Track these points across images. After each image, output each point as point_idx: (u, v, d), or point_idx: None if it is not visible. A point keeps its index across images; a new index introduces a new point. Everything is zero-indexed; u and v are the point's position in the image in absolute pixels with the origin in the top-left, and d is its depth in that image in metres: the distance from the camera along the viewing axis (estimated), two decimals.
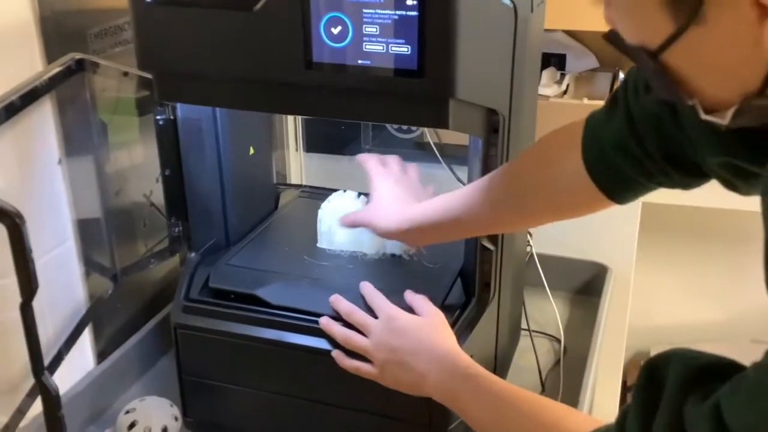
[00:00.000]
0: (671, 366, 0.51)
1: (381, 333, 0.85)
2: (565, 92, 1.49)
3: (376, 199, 0.98)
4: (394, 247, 1.06)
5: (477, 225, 0.88)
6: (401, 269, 1.03)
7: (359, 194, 1.12)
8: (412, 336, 0.84)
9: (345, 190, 1.13)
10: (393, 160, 1.06)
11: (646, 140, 0.70)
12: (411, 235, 0.93)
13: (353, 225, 0.99)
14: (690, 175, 0.70)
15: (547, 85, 1.47)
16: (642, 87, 0.70)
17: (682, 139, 0.66)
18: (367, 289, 0.92)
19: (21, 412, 0.95)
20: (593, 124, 0.75)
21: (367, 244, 1.06)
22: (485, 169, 0.89)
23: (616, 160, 0.72)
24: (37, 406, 0.94)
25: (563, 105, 1.44)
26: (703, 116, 0.48)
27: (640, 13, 0.45)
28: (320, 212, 1.10)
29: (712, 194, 0.78)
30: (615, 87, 1.48)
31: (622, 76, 1.51)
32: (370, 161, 1.04)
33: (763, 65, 0.42)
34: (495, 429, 0.75)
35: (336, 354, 0.90)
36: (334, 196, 1.12)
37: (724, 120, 0.46)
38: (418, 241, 0.97)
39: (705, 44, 0.44)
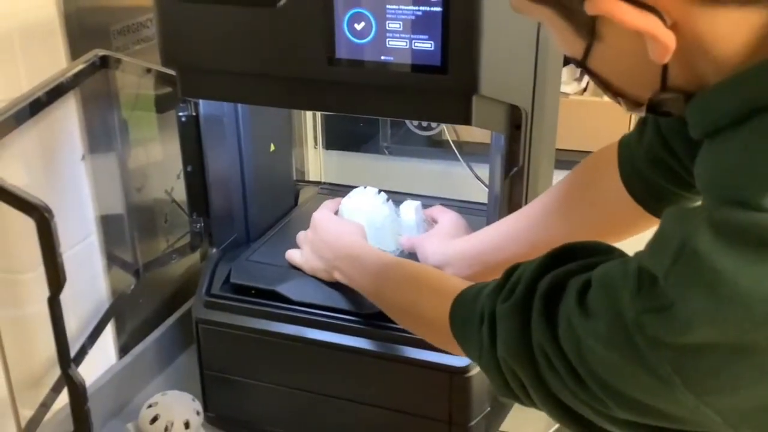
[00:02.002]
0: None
1: (309, 231, 1.02)
2: (584, 90, 1.48)
3: (434, 230, 1.03)
4: None
5: (517, 255, 0.88)
6: None
7: (379, 191, 1.12)
8: (324, 233, 0.98)
9: (365, 187, 1.13)
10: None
11: (674, 144, 0.71)
12: (454, 268, 0.93)
13: (409, 249, 1.04)
14: None
15: (567, 83, 1.47)
16: None
17: None
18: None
19: (45, 405, 0.96)
20: (626, 143, 0.78)
21: (386, 242, 1.06)
22: (507, 166, 0.89)
23: (651, 173, 0.74)
24: (61, 400, 0.95)
25: (583, 102, 1.44)
26: (627, 111, 0.56)
27: (559, 34, 0.54)
28: (341, 209, 1.10)
29: None
30: None
31: None
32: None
33: (657, 68, 0.50)
34: (383, 293, 0.84)
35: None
36: (354, 192, 1.12)
37: (642, 113, 0.55)
38: (463, 271, 0.94)
39: (610, 55, 0.52)
